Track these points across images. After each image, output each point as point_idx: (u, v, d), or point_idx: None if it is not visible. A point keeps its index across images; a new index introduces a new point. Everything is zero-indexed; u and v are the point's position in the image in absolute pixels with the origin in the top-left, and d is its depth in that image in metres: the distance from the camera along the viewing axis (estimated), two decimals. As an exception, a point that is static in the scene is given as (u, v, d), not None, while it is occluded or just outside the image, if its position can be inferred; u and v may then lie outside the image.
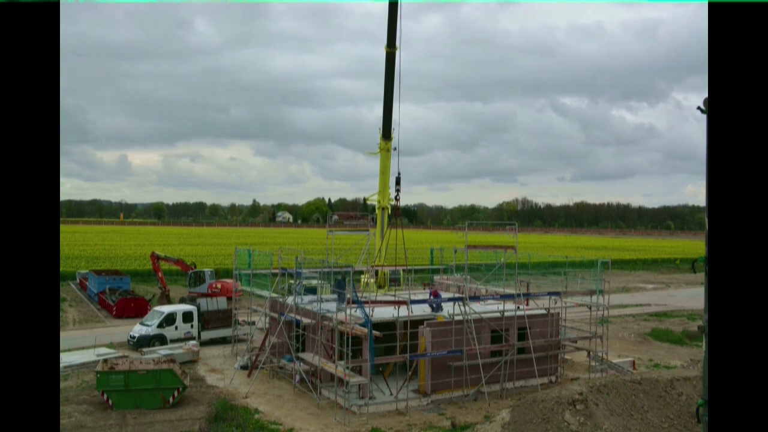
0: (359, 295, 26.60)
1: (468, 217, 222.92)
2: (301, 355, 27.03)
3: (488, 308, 28.22)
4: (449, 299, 27.16)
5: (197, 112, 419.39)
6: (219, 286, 49.94)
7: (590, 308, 29.61)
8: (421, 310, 27.61)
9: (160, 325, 34.29)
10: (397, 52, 38.43)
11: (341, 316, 24.72)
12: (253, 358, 29.68)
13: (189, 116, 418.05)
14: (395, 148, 39.99)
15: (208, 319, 36.19)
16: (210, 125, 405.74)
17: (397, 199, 39.51)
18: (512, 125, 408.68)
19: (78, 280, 58.88)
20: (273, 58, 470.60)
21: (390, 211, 42.03)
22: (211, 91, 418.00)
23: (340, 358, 24.34)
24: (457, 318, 25.86)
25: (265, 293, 33.20)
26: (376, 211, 43.02)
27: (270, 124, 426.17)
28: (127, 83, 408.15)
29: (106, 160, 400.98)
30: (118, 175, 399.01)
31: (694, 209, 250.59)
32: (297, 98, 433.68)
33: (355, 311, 24.35)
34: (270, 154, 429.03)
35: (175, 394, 23.98)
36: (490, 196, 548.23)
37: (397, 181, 39.79)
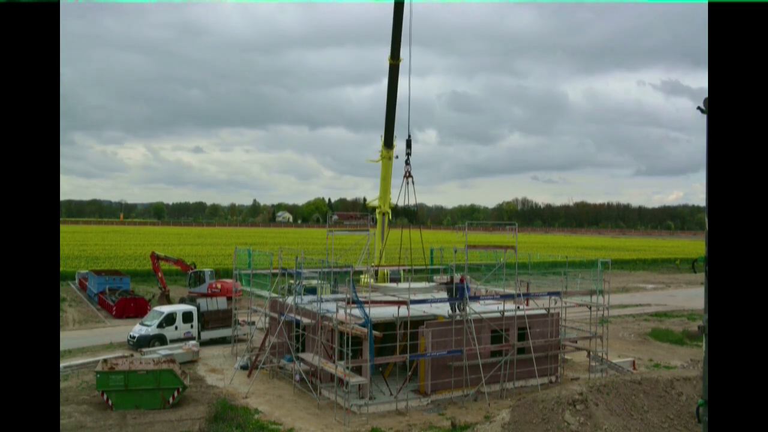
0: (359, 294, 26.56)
1: (468, 217, 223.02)
2: (301, 355, 27.02)
3: (488, 308, 28.21)
4: (448, 299, 27.13)
5: (176, 90, 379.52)
6: (219, 286, 49.92)
7: (590, 308, 29.62)
8: (421, 311, 27.61)
9: (160, 325, 34.25)
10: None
11: (341, 315, 24.71)
12: (253, 358, 29.68)
13: (168, 97, 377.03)
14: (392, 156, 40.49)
15: (208, 319, 36.18)
16: (193, 106, 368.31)
17: (407, 162, 39.76)
18: (573, 106, 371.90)
19: (78, 281, 58.87)
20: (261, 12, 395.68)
21: (390, 217, 42.17)
22: (185, 61, 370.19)
23: (340, 358, 24.34)
24: (457, 318, 25.85)
25: (265, 293, 33.19)
26: (377, 214, 43.23)
27: (262, 105, 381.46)
28: (93, 55, 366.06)
29: (96, 154, 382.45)
30: (108, 172, 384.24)
31: (694, 209, 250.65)
32: (294, 73, 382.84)
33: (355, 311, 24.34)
34: (268, 147, 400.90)
35: (175, 394, 23.98)
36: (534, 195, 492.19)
37: (408, 144, 39.66)
